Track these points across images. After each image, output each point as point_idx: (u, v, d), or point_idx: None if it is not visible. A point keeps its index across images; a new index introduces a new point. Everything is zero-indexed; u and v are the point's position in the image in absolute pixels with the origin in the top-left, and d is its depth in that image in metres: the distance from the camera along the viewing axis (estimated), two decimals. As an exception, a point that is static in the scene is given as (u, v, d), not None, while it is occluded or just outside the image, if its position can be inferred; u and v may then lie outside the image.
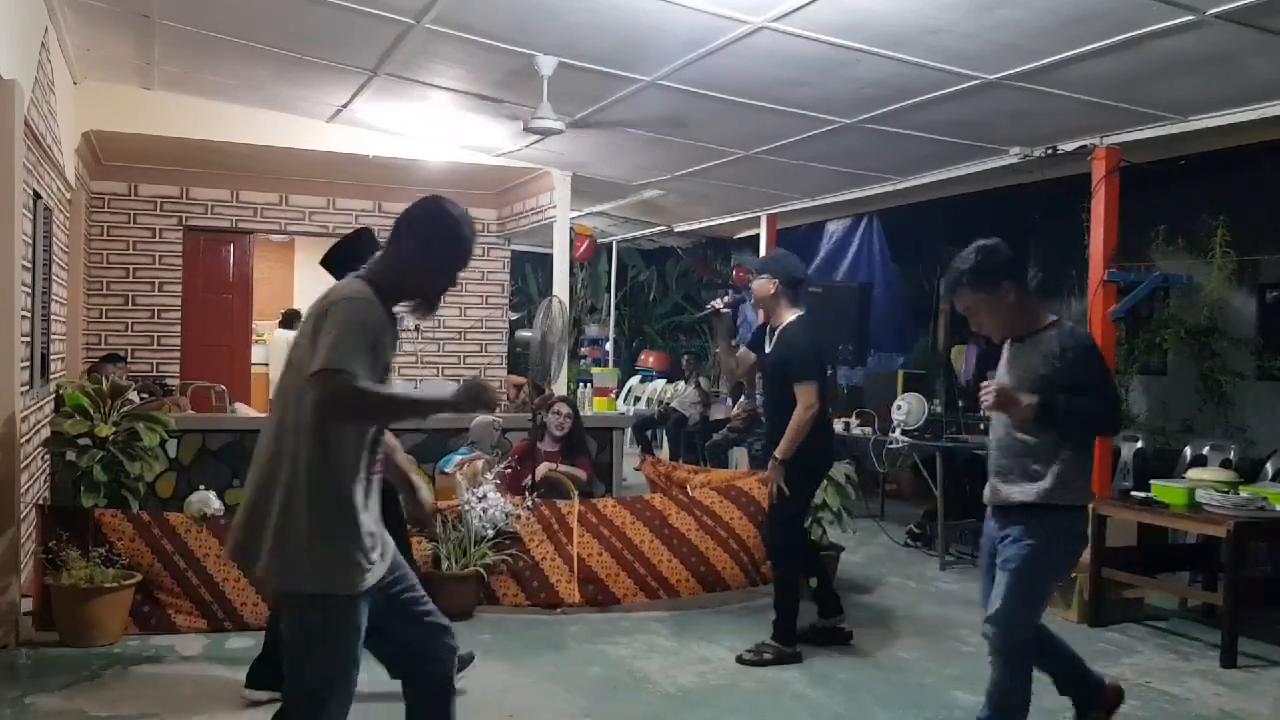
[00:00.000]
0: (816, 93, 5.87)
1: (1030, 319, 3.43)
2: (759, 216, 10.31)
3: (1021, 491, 3.32)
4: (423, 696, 2.78)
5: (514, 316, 12.06)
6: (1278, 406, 7.96)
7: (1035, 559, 3.28)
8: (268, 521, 2.47)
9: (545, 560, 5.54)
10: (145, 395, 6.83)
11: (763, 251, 10.35)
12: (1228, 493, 5.21)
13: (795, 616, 4.80)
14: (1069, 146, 6.47)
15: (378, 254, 2.72)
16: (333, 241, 4.11)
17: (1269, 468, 6.61)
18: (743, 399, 9.89)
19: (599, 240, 12.75)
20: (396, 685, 2.80)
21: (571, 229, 9.68)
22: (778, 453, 4.68)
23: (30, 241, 5.35)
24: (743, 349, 5.20)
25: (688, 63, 5.51)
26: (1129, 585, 5.57)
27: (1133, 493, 5.94)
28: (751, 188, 9.08)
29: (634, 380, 13.61)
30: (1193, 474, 5.70)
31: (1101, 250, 6.32)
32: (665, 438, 11.46)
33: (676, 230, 12.19)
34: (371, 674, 2.74)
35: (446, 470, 6.59)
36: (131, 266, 9.73)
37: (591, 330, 14.14)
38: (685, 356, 12.63)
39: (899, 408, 7.57)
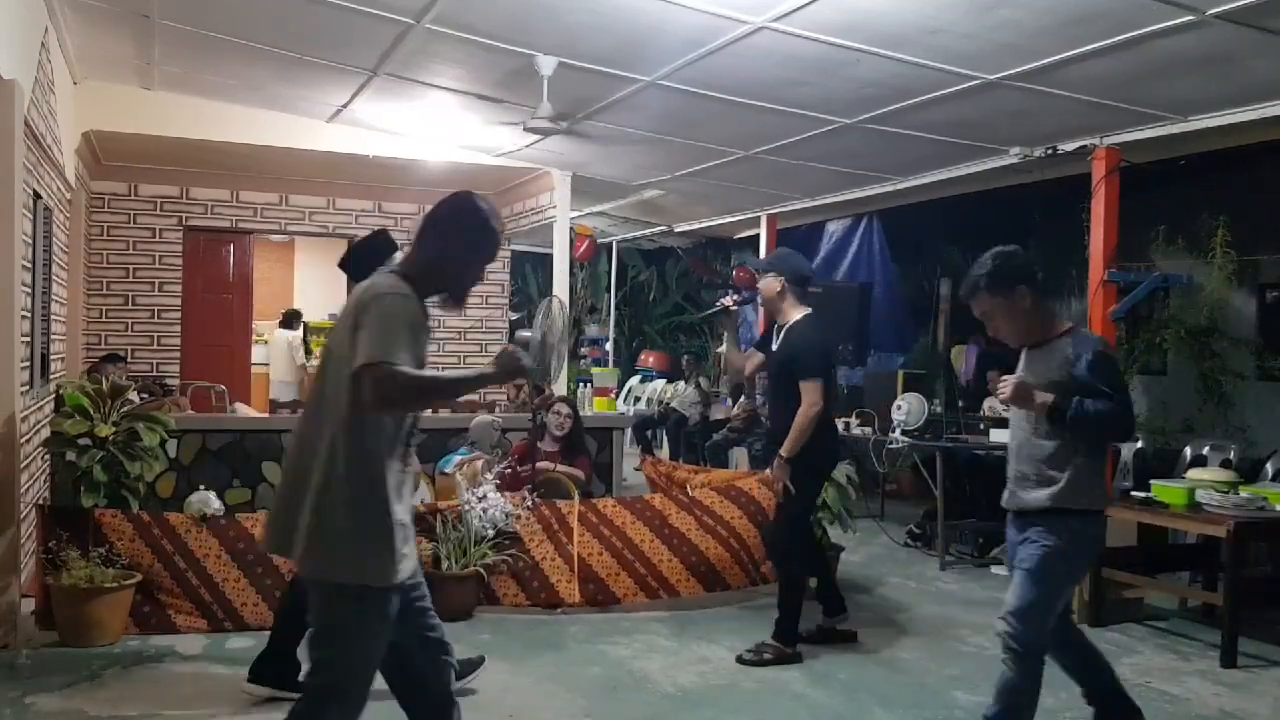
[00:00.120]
0: (816, 93, 5.87)
1: (1047, 325, 3.51)
2: (759, 216, 10.31)
3: (1038, 497, 3.41)
4: (422, 712, 2.80)
5: (514, 316, 12.06)
6: (1278, 406, 7.96)
7: (1051, 561, 3.36)
8: (303, 512, 2.52)
9: (545, 560, 5.54)
10: (145, 395, 6.83)
11: (763, 251, 10.35)
12: (1228, 493, 5.21)
13: (798, 617, 4.80)
14: (1069, 146, 6.47)
15: (396, 254, 2.77)
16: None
17: (1269, 468, 6.60)
18: (743, 399, 9.89)
19: (599, 240, 12.75)
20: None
21: (571, 229, 9.68)
22: (783, 450, 4.69)
23: (30, 241, 5.35)
24: (750, 350, 5.21)
25: (688, 63, 5.51)
26: (1129, 585, 5.57)
27: (1133, 493, 5.94)
28: (751, 188, 9.08)
29: (634, 380, 13.61)
30: (1193, 474, 5.70)
31: (1101, 250, 6.32)
32: (665, 438, 11.46)
33: (676, 230, 12.20)
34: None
35: (446, 470, 6.59)
36: (131, 266, 9.73)
37: (591, 330, 14.14)
38: (685, 356, 12.63)
39: (899, 408, 7.58)
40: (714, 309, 5.22)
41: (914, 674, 4.69)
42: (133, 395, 5.55)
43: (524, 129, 6.50)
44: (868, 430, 7.75)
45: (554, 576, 5.54)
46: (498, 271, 11.18)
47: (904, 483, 9.47)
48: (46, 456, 5.86)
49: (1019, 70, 5.17)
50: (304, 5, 5.41)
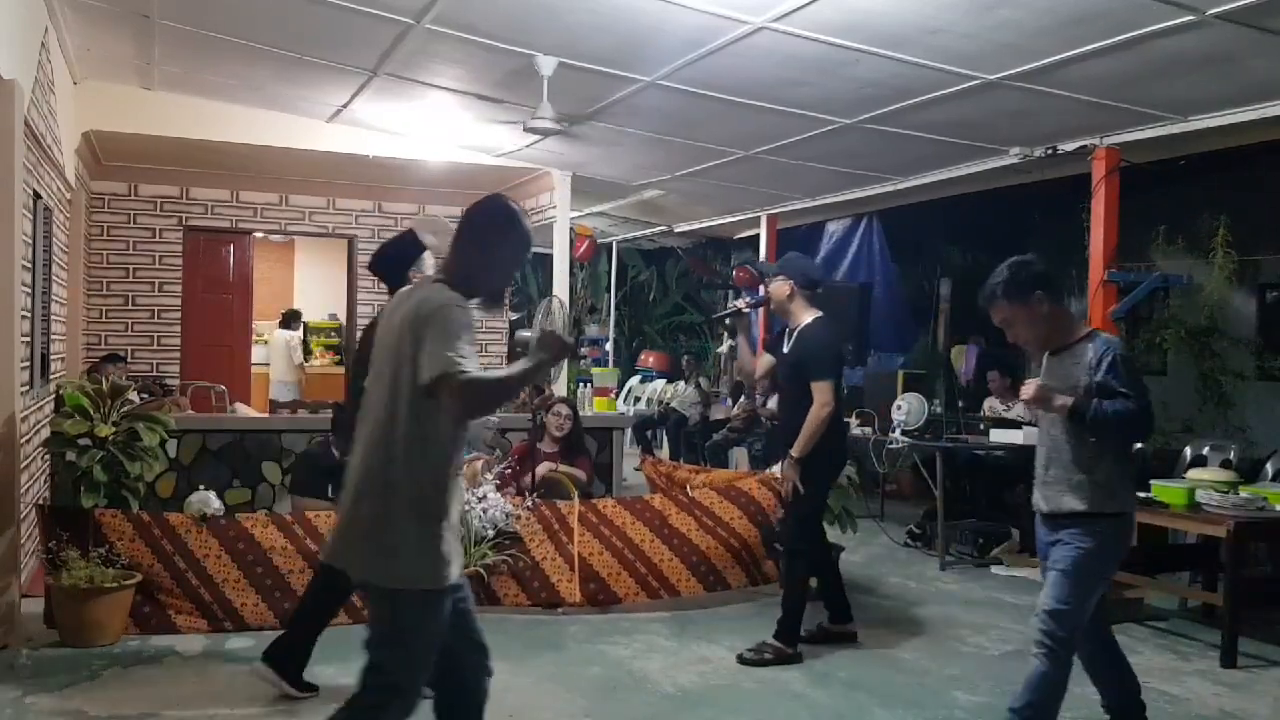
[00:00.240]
0: (816, 93, 5.87)
1: (1066, 331, 3.60)
2: (759, 216, 10.31)
3: (1068, 501, 3.49)
4: (454, 713, 2.83)
5: (514, 316, 12.06)
6: (1278, 406, 7.96)
7: (1084, 562, 3.44)
8: (365, 518, 2.61)
9: (545, 560, 5.54)
10: (145, 395, 6.83)
11: (763, 251, 10.36)
12: (1227, 493, 5.20)
13: (800, 618, 4.80)
14: (1069, 146, 6.47)
15: (424, 255, 2.81)
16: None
17: (1269, 468, 6.60)
18: (743, 399, 9.90)
19: (599, 240, 12.75)
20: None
21: (571, 229, 9.68)
22: (794, 450, 4.71)
23: (30, 241, 5.35)
24: (761, 351, 5.23)
25: (688, 63, 5.51)
26: (1129, 585, 5.56)
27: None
28: (751, 188, 9.08)
29: (634, 380, 13.62)
30: (1193, 474, 5.69)
31: (1101, 250, 6.33)
32: (665, 438, 11.46)
33: (676, 230, 12.20)
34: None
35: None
36: (131, 266, 9.73)
37: (591, 330, 14.14)
38: (685, 356, 12.64)
39: (899, 408, 7.58)
40: (728, 311, 5.24)
41: (914, 674, 4.69)
42: (133, 395, 5.56)
43: (524, 129, 6.49)
44: (868, 430, 7.75)
45: (554, 576, 5.53)
46: (498, 271, 11.14)
47: (904, 483, 9.47)
48: (46, 456, 5.86)
49: (1019, 70, 5.17)
50: (304, 5, 5.41)
